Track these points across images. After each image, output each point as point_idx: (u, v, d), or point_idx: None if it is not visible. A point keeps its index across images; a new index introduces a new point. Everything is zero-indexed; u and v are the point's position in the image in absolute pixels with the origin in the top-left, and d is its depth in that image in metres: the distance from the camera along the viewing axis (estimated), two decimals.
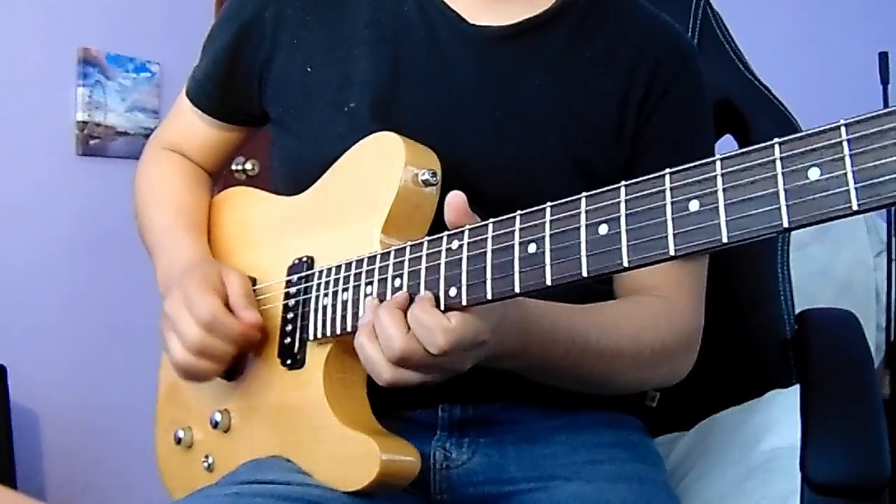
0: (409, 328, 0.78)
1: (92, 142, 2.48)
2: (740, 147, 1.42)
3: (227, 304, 0.98)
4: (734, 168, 0.59)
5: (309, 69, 1.07)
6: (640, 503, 0.95)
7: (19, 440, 2.25)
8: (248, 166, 2.66)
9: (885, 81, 2.30)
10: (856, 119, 0.53)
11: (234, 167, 2.57)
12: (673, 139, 1.04)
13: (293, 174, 1.08)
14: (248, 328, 0.97)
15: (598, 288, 1.05)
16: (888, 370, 2.33)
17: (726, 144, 1.34)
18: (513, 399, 1.02)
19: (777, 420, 1.11)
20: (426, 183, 0.93)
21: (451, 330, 0.76)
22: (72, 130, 2.45)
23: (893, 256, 2.33)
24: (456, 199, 0.79)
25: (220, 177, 1.31)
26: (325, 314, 0.93)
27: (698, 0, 1.41)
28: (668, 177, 0.63)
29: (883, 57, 2.31)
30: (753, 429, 1.15)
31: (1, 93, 2.29)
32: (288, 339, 0.98)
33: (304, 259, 1.00)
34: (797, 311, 1.31)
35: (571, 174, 1.02)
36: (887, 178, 0.51)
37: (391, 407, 0.99)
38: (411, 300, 0.81)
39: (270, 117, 1.14)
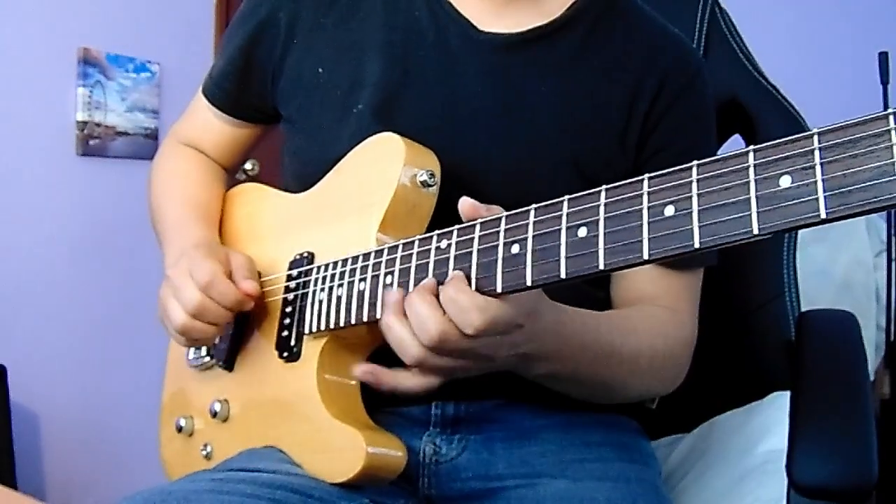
0: (443, 311, 0.77)
1: (92, 142, 2.49)
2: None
3: (229, 276, 1.00)
4: (709, 174, 0.60)
5: (320, 70, 1.08)
6: (624, 502, 0.95)
7: (19, 440, 2.26)
8: (248, 166, 2.67)
9: (885, 81, 2.30)
10: (829, 128, 0.53)
11: None
12: (677, 151, 1.04)
13: (302, 172, 1.09)
14: (245, 296, 0.99)
15: (597, 294, 1.05)
16: (888, 370, 2.33)
17: (735, 144, 1.33)
18: (506, 397, 1.03)
19: (776, 422, 1.11)
20: (424, 183, 0.94)
21: (486, 308, 0.75)
22: (72, 130, 2.46)
23: (893, 256, 2.33)
24: (465, 206, 0.80)
25: (236, 171, 1.34)
26: (320, 308, 0.95)
27: None
28: (646, 181, 0.64)
29: (883, 57, 2.31)
30: (752, 431, 1.15)
31: (1, 93, 2.30)
32: (285, 332, 1.00)
33: (305, 254, 1.02)
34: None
35: (574, 181, 1.01)
36: (855, 187, 0.51)
37: (385, 402, 0.99)
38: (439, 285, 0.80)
39: (282, 116, 1.15)
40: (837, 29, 2.91)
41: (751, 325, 1.35)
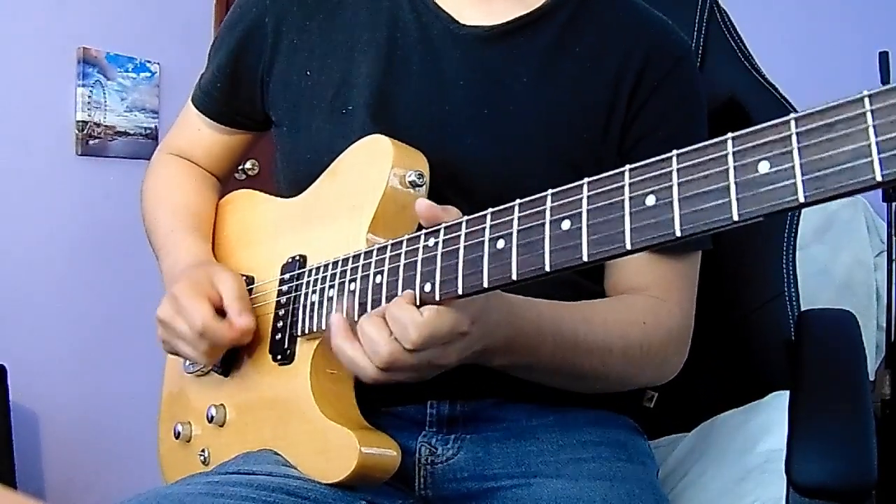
0: (390, 332, 0.80)
1: (92, 142, 2.49)
2: None
3: (221, 307, 1.00)
4: (689, 163, 0.60)
5: (308, 73, 1.09)
6: (621, 502, 0.94)
7: (19, 440, 2.26)
8: (248, 166, 2.67)
9: (885, 81, 2.30)
10: (805, 112, 0.54)
11: None
12: (662, 138, 1.04)
13: (294, 176, 1.10)
14: (240, 333, 0.99)
15: (592, 288, 1.05)
16: (888, 370, 2.33)
17: None
18: (502, 396, 1.03)
19: (776, 422, 1.11)
20: (413, 184, 0.95)
21: (422, 324, 0.77)
22: (72, 130, 2.46)
23: (893, 256, 2.33)
24: (422, 207, 0.81)
25: (228, 180, 1.33)
26: (312, 310, 0.95)
27: None
28: (627, 173, 0.64)
29: (883, 57, 2.31)
30: (752, 430, 1.15)
31: (1, 93, 2.30)
32: (278, 336, 1.00)
33: (297, 258, 1.02)
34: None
35: (560, 172, 1.01)
36: (833, 170, 0.51)
37: (380, 403, 1.00)
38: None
39: (273, 121, 1.16)
40: (837, 29, 2.92)
41: (751, 324, 1.35)
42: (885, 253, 2.39)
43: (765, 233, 1.32)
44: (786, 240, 1.31)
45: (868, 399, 0.98)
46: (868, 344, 1.34)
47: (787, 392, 1.08)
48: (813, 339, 1.14)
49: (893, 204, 2.36)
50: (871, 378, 2.31)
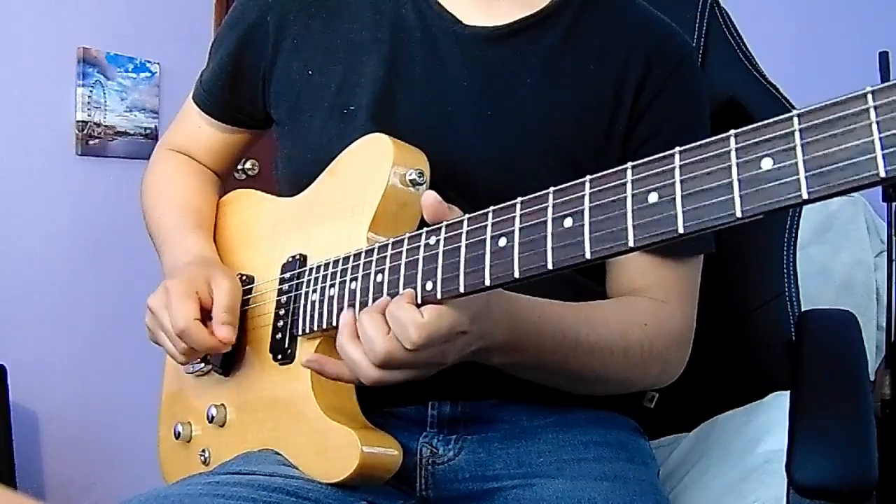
0: (389, 329, 0.80)
1: (91, 142, 2.48)
2: None
3: (210, 311, 1.00)
4: (692, 160, 0.60)
5: (310, 72, 1.09)
6: (622, 502, 0.94)
7: (19, 440, 2.26)
8: (248, 165, 2.67)
9: (885, 81, 2.29)
10: (808, 109, 0.54)
11: None
12: (665, 139, 1.04)
13: (294, 175, 1.10)
14: (217, 344, 0.99)
15: (594, 288, 1.05)
16: (888, 370, 2.33)
17: None
18: (503, 396, 1.03)
19: (776, 422, 1.11)
20: (413, 182, 0.94)
21: (422, 324, 0.77)
22: (71, 130, 2.46)
23: (893, 256, 2.32)
24: (429, 200, 0.80)
25: (228, 178, 1.34)
26: (313, 310, 0.95)
27: None
28: (629, 170, 0.64)
29: (883, 57, 2.31)
30: (753, 431, 1.15)
31: (1, 93, 2.30)
32: (279, 335, 1.00)
33: (297, 257, 1.02)
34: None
35: (562, 173, 1.01)
36: (836, 166, 0.51)
37: (381, 403, 1.00)
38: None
39: (274, 119, 1.16)
40: (837, 29, 2.92)
41: (751, 325, 1.35)
42: (885, 253, 2.38)
43: (765, 232, 1.32)
44: (786, 239, 1.31)
45: (868, 399, 0.98)
46: (868, 344, 1.34)
47: (788, 392, 1.08)
48: (813, 339, 1.15)
49: (893, 204, 2.36)
50: (871, 378, 2.31)
